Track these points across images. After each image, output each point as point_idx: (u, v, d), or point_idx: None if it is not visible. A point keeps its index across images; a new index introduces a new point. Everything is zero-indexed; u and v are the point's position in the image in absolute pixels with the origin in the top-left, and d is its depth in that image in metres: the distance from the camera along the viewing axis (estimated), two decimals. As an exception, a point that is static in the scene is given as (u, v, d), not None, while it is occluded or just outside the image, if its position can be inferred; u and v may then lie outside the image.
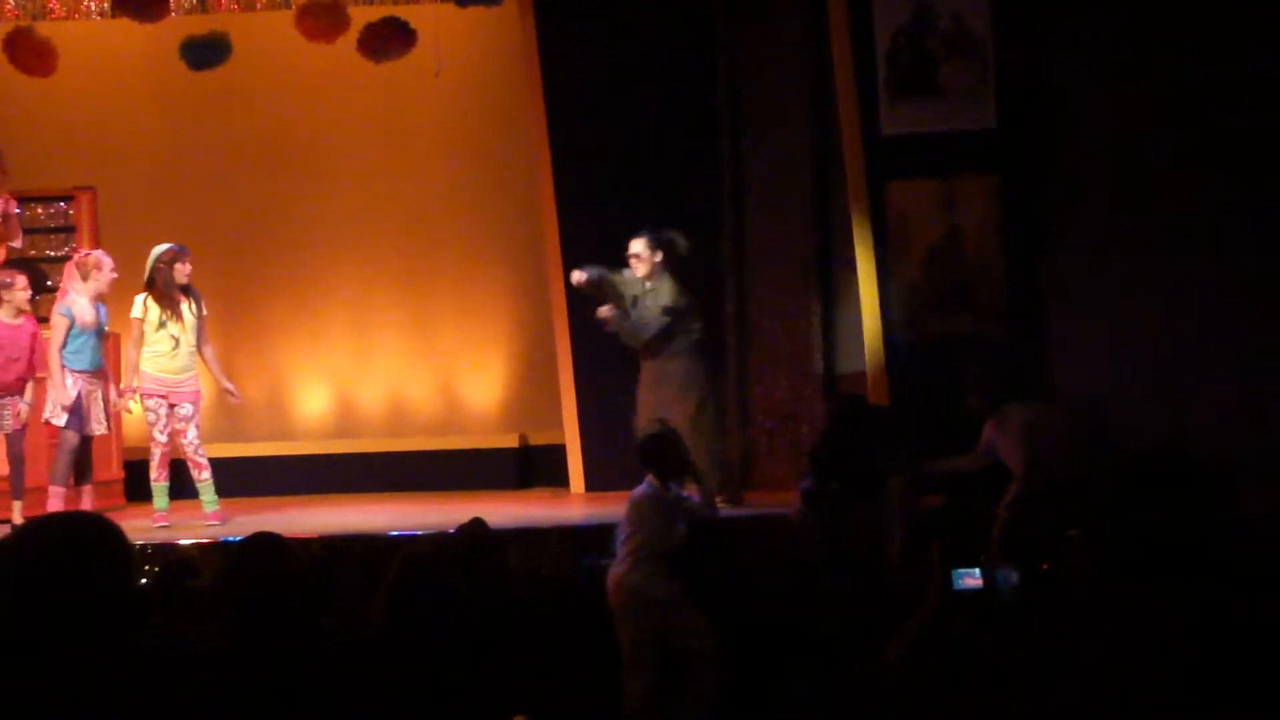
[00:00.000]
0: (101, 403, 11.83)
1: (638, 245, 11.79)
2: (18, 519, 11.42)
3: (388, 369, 15.16)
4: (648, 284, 11.79)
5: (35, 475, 12.03)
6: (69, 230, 14.19)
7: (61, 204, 14.30)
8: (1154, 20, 11.53)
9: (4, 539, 3.64)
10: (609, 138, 13.64)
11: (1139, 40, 11.57)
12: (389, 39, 13.81)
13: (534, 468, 14.82)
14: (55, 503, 11.37)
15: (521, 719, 6.48)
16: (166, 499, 11.73)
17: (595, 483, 13.70)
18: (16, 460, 11.72)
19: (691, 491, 9.89)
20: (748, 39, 13.59)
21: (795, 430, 13.19)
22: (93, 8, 14.52)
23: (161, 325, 11.64)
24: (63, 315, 11.57)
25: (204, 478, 11.79)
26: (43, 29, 13.89)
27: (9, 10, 14.17)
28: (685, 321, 11.80)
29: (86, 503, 11.74)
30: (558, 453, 14.18)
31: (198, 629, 5.60)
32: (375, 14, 14.01)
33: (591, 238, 13.58)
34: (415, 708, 5.39)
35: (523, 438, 14.96)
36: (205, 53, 14.01)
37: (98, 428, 11.83)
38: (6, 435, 11.72)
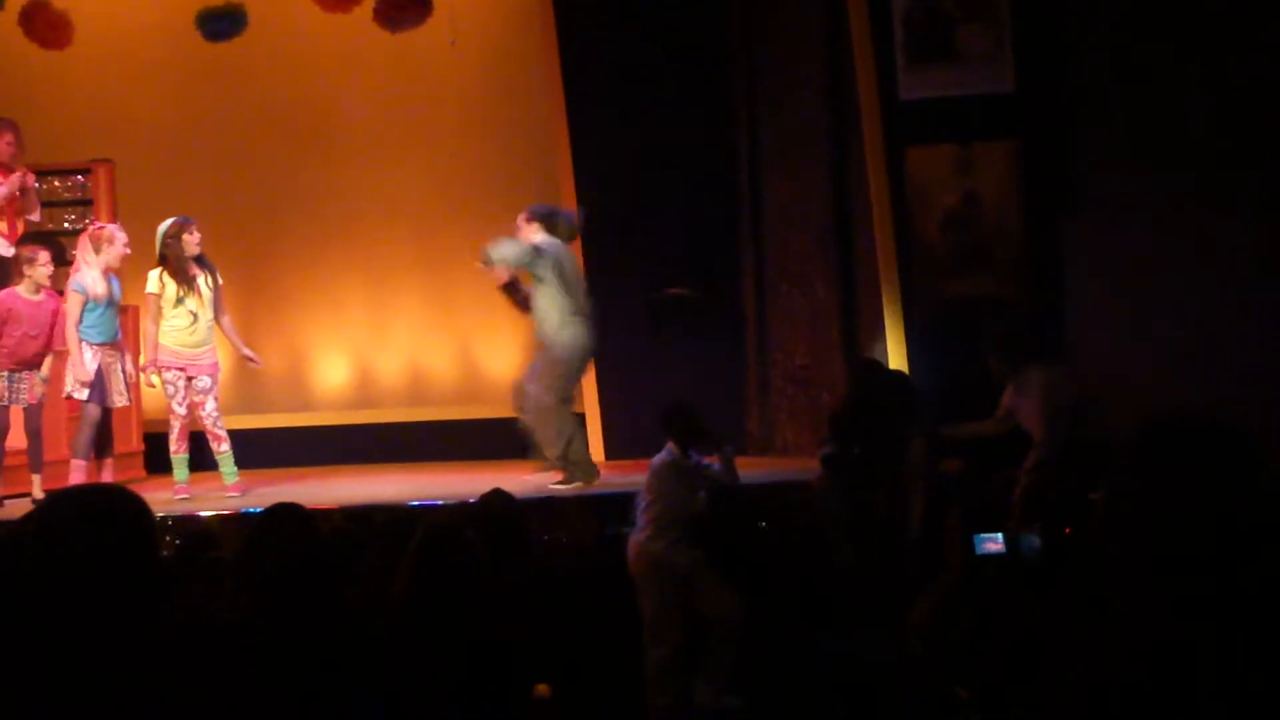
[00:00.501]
0: (121, 374, 11.84)
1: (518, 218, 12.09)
2: (37, 493, 11.45)
3: (407, 339, 15.17)
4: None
5: (55, 449, 12.06)
6: (86, 203, 14.19)
7: (79, 177, 14.29)
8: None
9: (29, 514, 3.64)
10: (626, 106, 13.63)
11: (1162, 2, 11.52)
12: (405, 9, 13.79)
13: (554, 437, 14.81)
14: (77, 476, 11.39)
15: (543, 689, 6.49)
16: (187, 471, 11.74)
17: (615, 451, 13.70)
18: (34, 434, 11.74)
19: (712, 459, 9.88)
20: (764, 4, 13.55)
21: (815, 396, 13.18)
22: (109, -21, 14.52)
23: (179, 301, 11.65)
24: (77, 291, 11.57)
25: (223, 449, 11.81)
26: (59, 2, 13.88)
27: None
28: (569, 300, 11.83)
29: (107, 475, 11.77)
30: (578, 421, 14.17)
31: (221, 600, 5.62)
32: (391, -16, 13.98)
33: (609, 206, 13.59)
34: (438, 677, 5.40)
35: (543, 407, 14.96)
36: (221, 24, 14.00)
37: (119, 400, 11.84)
38: (24, 409, 11.72)
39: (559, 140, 13.95)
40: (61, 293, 11.95)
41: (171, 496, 11.48)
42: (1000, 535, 8.47)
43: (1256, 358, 11.00)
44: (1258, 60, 11.22)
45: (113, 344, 11.80)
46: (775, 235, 13.53)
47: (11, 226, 12.63)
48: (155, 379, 11.66)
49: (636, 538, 9.48)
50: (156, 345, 11.61)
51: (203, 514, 10.76)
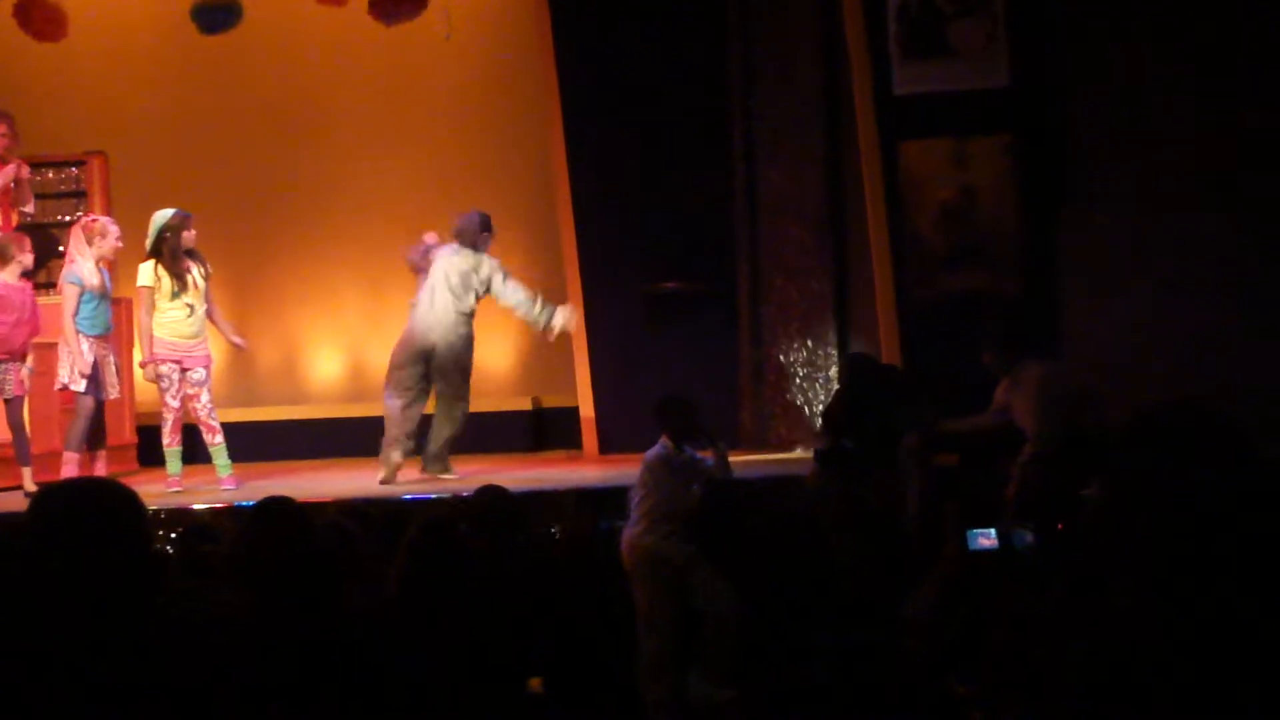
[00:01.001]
0: (114, 367, 11.83)
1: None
2: (29, 485, 11.42)
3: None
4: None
5: (47, 441, 12.04)
6: (80, 195, 14.17)
7: (73, 169, 14.28)
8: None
9: (26, 509, 3.64)
10: (621, 98, 13.62)
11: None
12: (400, 3, 13.77)
13: (548, 430, 14.81)
14: (70, 469, 11.37)
15: (537, 683, 6.50)
16: (180, 464, 11.73)
17: (609, 445, 13.69)
18: (18, 427, 11.67)
19: (706, 454, 9.88)
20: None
21: (809, 390, 13.18)
22: (103, -28, 14.51)
23: (176, 295, 11.62)
24: (73, 283, 11.54)
25: (217, 441, 11.79)
26: (53, -6, 13.88)
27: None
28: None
29: (100, 468, 11.75)
30: (571, 415, 14.17)
31: (216, 594, 5.62)
32: (386, -23, 13.97)
33: (604, 199, 13.59)
34: (433, 670, 5.40)
35: (536, 400, 14.96)
36: (216, 17, 13.98)
37: (111, 392, 11.84)
38: (7, 401, 11.66)
39: (553, 133, 13.94)
40: (39, 285, 11.94)
41: (165, 489, 11.47)
42: (994, 531, 8.48)
43: (1251, 349, 11.02)
44: (1251, 55, 11.24)
45: (106, 336, 11.79)
46: (770, 229, 13.52)
47: (5, 218, 12.62)
48: (162, 369, 11.61)
49: (630, 531, 9.48)
50: (152, 338, 11.59)
51: (196, 507, 10.74)
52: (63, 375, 11.58)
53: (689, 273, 13.68)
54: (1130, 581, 3.14)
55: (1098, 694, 3.12)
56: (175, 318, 11.63)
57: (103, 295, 11.70)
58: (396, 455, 11.94)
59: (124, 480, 3.84)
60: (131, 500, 3.60)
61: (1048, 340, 11.37)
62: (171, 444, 11.72)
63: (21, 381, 11.65)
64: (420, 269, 12.48)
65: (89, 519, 3.49)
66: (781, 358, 13.45)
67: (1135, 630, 3.09)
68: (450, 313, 12.08)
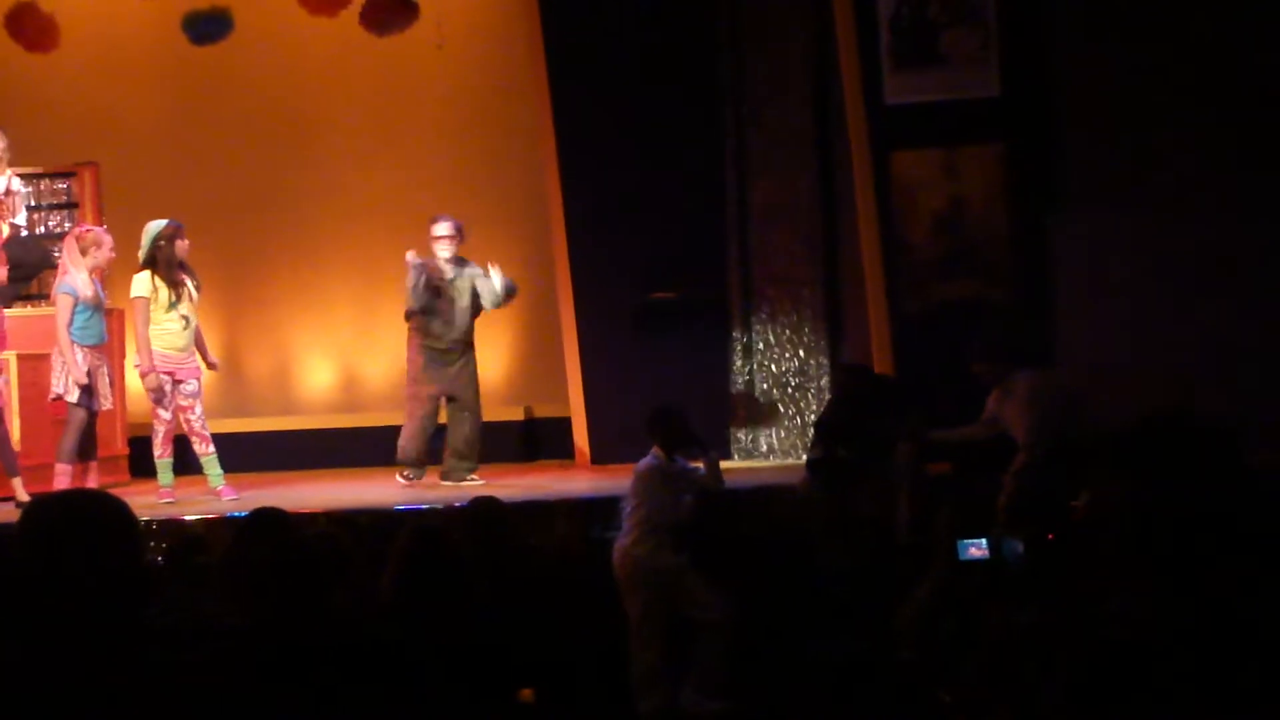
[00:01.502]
0: (107, 378, 11.83)
1: (448, 228, 12.61)
2: (21, 496, 11.39)
3: (393, 343, 15.09)
4: (454, 268, 12.60)
5: (40, 453, 12.02)
6: (71, 206, 14.15)
7: (64, 180, 14.26)
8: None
9: (17, 520, 3.65)
10: (612, 108, 13.62)
11: (1144, 4, 11.56)
12: (391, 12, 13.79)
13: (539, 440, 14.81)
14: (62, 480, 11.36)
15: (528, 694, 6.49)
16: (171, 475, 11.72)
17: (600, 455, 13.69)
18: (1, 438, 11.65)
19: (697, 464, 9.89)
20: (751, 6, 13.56)
21: (801, 400, 13.19)
22: (95, -17, 14.50)
23: (172, 305, 11.62)
24: (67, 294, 11.53)
25: (210, 451, 11.78)
26: (45, 4, 13.86)
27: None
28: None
29: (92, 480, 11.74)
30: (563, 425, 14.17)
31: (208, 605, 5.62)
32: (377, -13, 13.98)
33: (596, 208, 13.60)
34: (424, 680, 5.40)
35: (528, 410, 14.95)
36: (207, 27, 13.99)
37: (104, 403, 11.83)
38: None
39: (545, 143, 13.94)
40: (28, 296, 11.93)
41: (156, 500, 11.45)
42: (984, 540, 8.48)
43: (1245, 357, 11.05)
44: (1242, 62, 11.27)
45: (100, 347, 11.79)
46: (762, 238, 13.53)
47: (-4, 230, 12.63)
48: (160, 380, 11.59)
49: (622, 542, 9.48)
50: (150, 349, 11.57)
51: (188, 518, 10.74)
52: (57, 386, 11.57)
53: (681, 282, 13.67)
54: (1119, 590, 3.16)
55: (1085, 703, 3.13)
56: (170, 329, 11.62)
57: (96, 306, 11.69)
58: None
59: (115, 491, 3.84)
60: (123, 512, 3.61)
61: (1039, 349, 11.38)
62: (163, 455, 11.71)
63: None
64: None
65: (81, 531, 3.50)
66: (773, 367, 13.46)
67: (1123, 639, 3.11)
68: None
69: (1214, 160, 11.33)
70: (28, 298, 13.08)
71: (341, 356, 15.46)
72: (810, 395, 13.14)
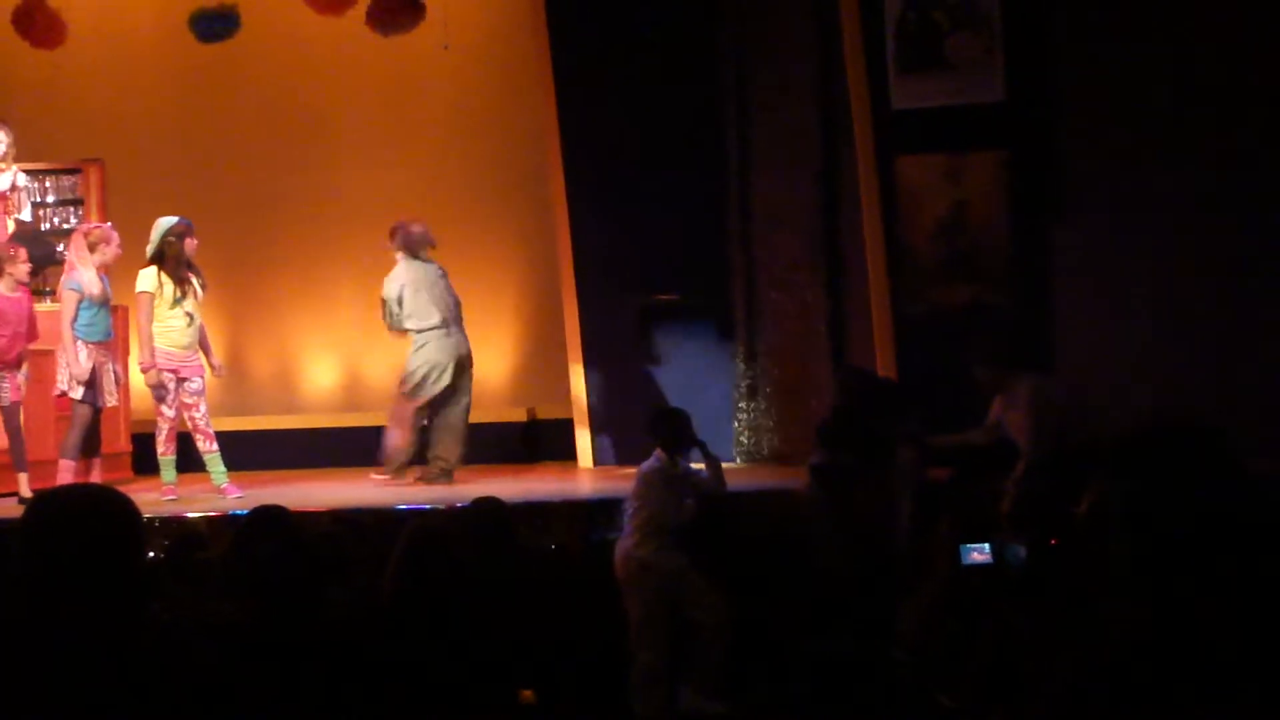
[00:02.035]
0: (113, 374, 11.84)
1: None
2: (25, 491, 11.41)
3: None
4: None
5: (43, 449, 12.03)
6: (77, 203, 14.17)
7: (69, 177, 14.27)
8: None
9: (21, 515, 3.66)
10: (617, 110, 13.64)
11: (1150, 13, 11.56)
12: (398, 12, 13.78)
13: (542, 442, 14.81)
14: (65, 476, 11.36)
15: (528, 694, 6.50)
16: (174, 472, 11.72)
17: (603, 457, 13.71)
18: (15, 433, 11.67)
19: (700, 466, 9.89)
20: (756, 10, 13.56)
21: (803, 403, 13.19)
22: (101, -20, 14.51)
23: (177, 302, 11.62)
24: (73, 289, 11.54)
25: (213, 449, 11.77)
26: (53, 1, 13.87)
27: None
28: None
29: (95, 476, 11.75)
30: (565, 427, 14.18)
31: (209, 601, 5.63)
32: (384, -13, 13.98)
33: (599, 211, 13.61)
34: (425, 680, 5.41)
35: (531, 412, 14.97)
36: (214, 25, 13.99)
37: (109, 400, 11.85)
38: (4, 408, 11.66)
39: (550, 144, 13.95)
40: (39, 291, 11.94)
41: (159, 498, 11.45)
42: (987, 545, 8.49)
43: (1246, 364, 11.05)
44: (1244, 70, 11.27)
45: (106, 344, 11.80)
46: (765, 241, 13.53)
47: (1, 226, 12.63)
48: (161, 378, 11.60)
49: (624, 544, 9.48)
50: (153, 345, 11.57)
51: (190, 515, 10.73)
52: (61, 382, 11.59)
53: (684, 285, 13.69)
54: (1119, 596, 3.16)
55: (1085, 707, 3.14)
56: (175, 326, 11.61)
57: (103, 302, 11.71)
58: None
59: (119, 488, 3.85)
60: (127, 508, 3.62)
61: (1041, 355, 11.38)
62: (166, 452, 11.70)
63: (18, 387, 11.65)
64: None
65: (85, 526, 3.51)
66: (775, 370, 13.46)
67: (1123, 645, 3.11)
68: None
69: (1218, 168, 11.34)
70: (35, 294, 13.07)
71: (345, 356, 15.47)
72: (812, 399, 13.13)
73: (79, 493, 3.85)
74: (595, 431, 13.89)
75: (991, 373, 10.20)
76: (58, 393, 11.67)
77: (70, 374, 11.50)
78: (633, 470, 9.80)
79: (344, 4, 13.80)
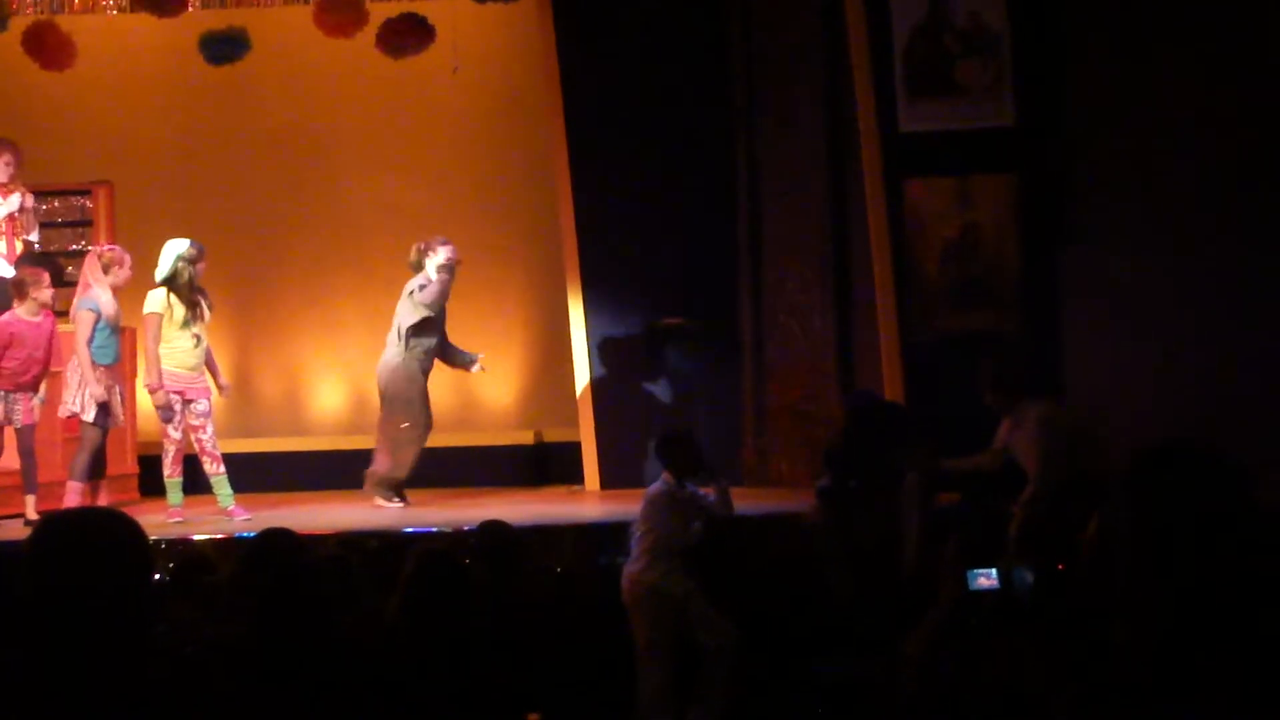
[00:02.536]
0: (120, 397, 11.84)
1: (452, 251, 12.60)
2: (31, 514, 11.42)
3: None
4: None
5: (51, 470, 12.02)
6: (86, 225, 14.18)
7: (78, 198, 14.28)
8: (1174, 16, 11.51)
9: (28, 537, 3.65)
10: (626, 134, 13.65)
11: (1159, 35, 11.56)
12: (407, 35, 13.81)
13: (549, 465, 14.79)
14: (73, 498, 11.37)
15: (535, 718, 6.49)
16: (181, 494, 11.72)
17: (610, 480, 13.69)
18: (27, 454, 11.68)
19: (707, 490, 9.88)
20: (764, 33, 13.57)
21: (811, 428, 13.17)
22: (111, 2, 14.52)
23: (186, 324, 11.63)
24: (90, 310, 11.55)
25: (220, 471, 11.77)
26: (61, 22, 13.90)
27: (29, 5, 14.17)
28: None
29: (103, 498, 11.76)
30: (573, 450, 14.16)
31: (215, 624, 5.62)
32: (394, 10, 14.00)
33: (608, 233, 13.61)
34: (431, 704, 5.40)
35: (538, 435, 14.95)
36: (223, 48, 14.00)
37: (117, 422, 11.86)
38: (17, 430, 11.68)
39: (559, 167, 13.96)
40: (60, 313, 11.96)
41: (166, 520, 11.44)
42: (994, 570, 8.48)
43: (1257, 390, 11.03)
44: (1260, 94, 11.26)
45: (116, 367, 11.82)
46: (774, 265, 13.54)
47: (10, 247, 12.63)
48: (170, 399, 11.59)
49: (631, 568, 9.47)
50: (159, 366, 11.56)
51: (197, 537, 10.73)
52: (72, 403, 11.58)
53: (692, 308, 13.70)
54: (1127, 620, 3.15)
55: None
56: (183, 347, 11.62)
57: (116, 325, 11.73)
58: None
59: (125, 510, 3.84)
60: (135, 531, 3.62)
61: (1051, 379, 11.37)
62: (173, 475, 11.70)
63: (31, 410, 11.66)
64: None
65: (93, 549, 3.51)
66: (784, 394, 13.45)
67: (1131, 669, 3.10)
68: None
69: (1229, 194, 11.33)
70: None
71: (352, 378, 15.46)
72: (820, 423, 13.11)
73: (86, 515, 3.84)
74: (603, 454, 13.88)
75: (1000, 398, 10.20)
76: (67, 414, 11.66)
77: (88, 395, 11.50)
78: (640, 493, 9.79)
79: (353, 26, 13.82)
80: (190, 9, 14.02)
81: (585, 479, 13.94)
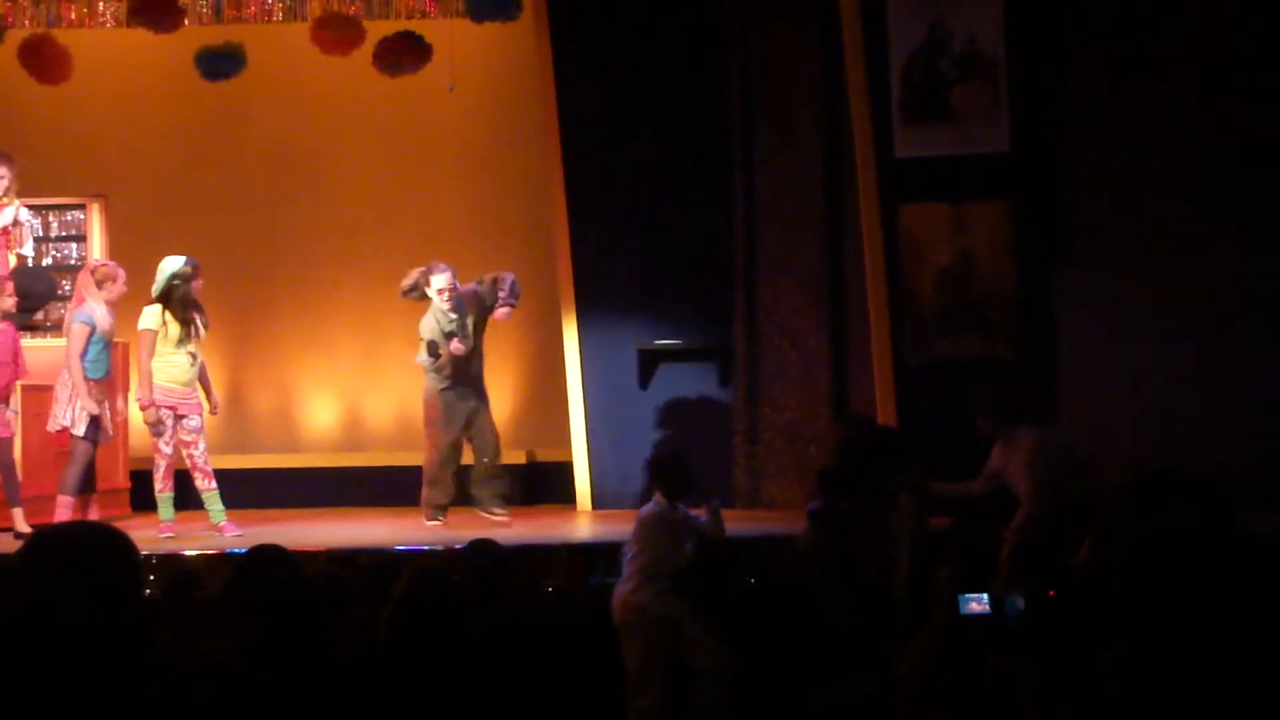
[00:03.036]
0: (109, 412, 11.84)
1: (448, 279, 12.33)
2: (21, 527, 11.39)
3: (396, 382, 15.13)
4: (454, 315, 12.36)
5: (42, 484, 12.00)
6: (80, 239, 14.17)
7: (73, 213, 14.27)
8: (1169, 43, 11.55)
9: (17, 551, 3.64)
10: (622, 154, 13.67)
11: (1153, 63, 11.59)
12: (404, 53, 13.82)
13: (541, 485, 14.79)
14: (64, 512, 11.35)
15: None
16: (172, 509, 11.71)
17: (602, 500, 13.69)
18: (7, 467, 11.64)
19: (699, 511, 9.88)
20: (761, 57, 13.59)
21: (803, 450, 13.17)
22: (108, 16, 14.54)
23: (180, 342, 11.63)
24: (84, 323, 11.56)
25: (212, 487, 11.76)
26: (58, 36, 13.90)
27: (26, 18, 14.17)
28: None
29: (93, 512, 11.75)
30: (565, 470, 14.16)
31: (206, 640, 5.61)
32: (391, 28, 14.01)
33: (602, 254, 13.62)
34: (422, 722, 5.39)
35: (530, 454, 14.94)
36: (220, 64, 14.00)
37: (107, 437, 11.86)
38: (-7, 443, 11.66)
39: (554, 186, 13.97)
40: (40, 327, 11.96)
41: (157, 535, 11.43)
42: (985, 596, 8.47)
43: (1252, 417, 11.05)
44: (1251, 117, 11.29)
45: (107, 381, 11.81)
46: (768, 287, 13.54)
47: (3, 260, 12.62)
48: (162, 414, 11.58)
49: (622, 588, 9.46)
50: (152, 382, 11.56)
51: (188, 553, 10.73)
52: (63, 417, 11.57)
53: (686, 330, 13.71)
54: (1118, 647, 3.15)
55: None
56: (177, 363, 11.62)
57: (109, 340, 11.73)
58: None
59: (116, 525, 3.84)
60: (125, 545, 3.61)
61: (1045, 404, 11.38)
62: (164, 490, 11.70)
63: (7, 423, 11.64)
64: None
65: (83, 563, 3.50)
66: (777, 416, 13.46)
67: (1123, 696, 3.10)
68: None
69: (1224, 220, 11.35)
70: (33, 329, 13.07)
71: (345, 395, 15.46)
72: (812, 446, 13.11)
73: (76, 530, 3.84)
74: (595, 475, 13.88)
75: (992, 423, 10.22)
76: (58, 428, 11.65)
77: (78, 408, 11.49)
78: (632, 514, 9.79)
79: (350, 44, 13.84)
80: (187, 24, 14.02)
81: (577, 499, 13.94)
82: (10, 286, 11.81)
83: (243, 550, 6.33)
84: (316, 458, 15.12)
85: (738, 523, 11.27)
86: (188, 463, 11.75)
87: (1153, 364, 11.48)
